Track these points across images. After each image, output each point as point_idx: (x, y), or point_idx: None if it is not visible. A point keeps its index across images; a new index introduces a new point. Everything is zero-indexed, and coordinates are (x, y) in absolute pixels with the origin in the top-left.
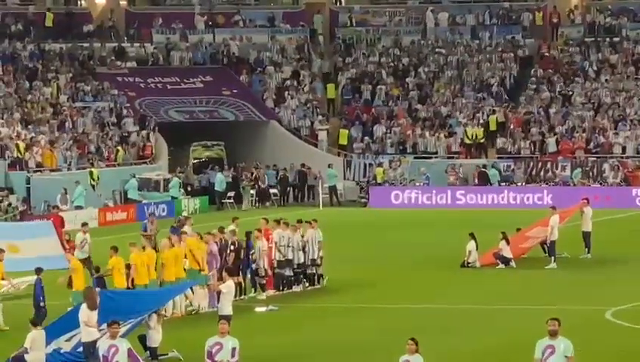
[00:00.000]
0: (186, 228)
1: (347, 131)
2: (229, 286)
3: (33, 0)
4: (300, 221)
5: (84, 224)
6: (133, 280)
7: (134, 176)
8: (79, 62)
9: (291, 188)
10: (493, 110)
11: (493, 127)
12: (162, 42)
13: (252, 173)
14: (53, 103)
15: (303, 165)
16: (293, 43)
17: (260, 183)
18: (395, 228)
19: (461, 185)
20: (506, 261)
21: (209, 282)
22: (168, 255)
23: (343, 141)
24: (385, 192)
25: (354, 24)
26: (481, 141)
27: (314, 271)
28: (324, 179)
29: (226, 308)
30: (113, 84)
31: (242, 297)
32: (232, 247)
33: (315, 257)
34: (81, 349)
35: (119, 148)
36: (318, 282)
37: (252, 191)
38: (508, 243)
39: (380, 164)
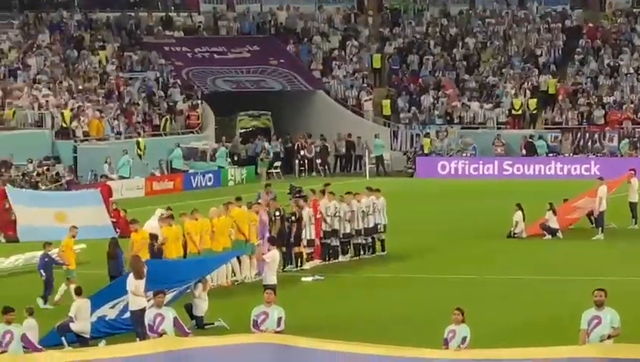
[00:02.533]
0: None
1: (389, 101)
2: (273, 255)
3: None
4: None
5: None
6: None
7: (179, 146)
8: (126, 31)
9: (338, 158)
10: (541, 81)
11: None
12: (209, 11)
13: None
14: (100, 73)
15: (349, 135)
16: (341, 13)
17: (306, 153)
18: (442, 199)
19: (508, 156)
20: (552, 231)
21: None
22: (217, 223)
23: (387, 111)
24: (431, 162)
25: None
26: (531, 112)
27: (359, 241)
28: (370, 149)
29: (270, 277)
30: (160, 54)
31: (288, 267)
32: (276, 215)
33: (381, 223)
34: (125, 316)
35: (166, 117)
36: (383, 249)
37: (297, 161)
38: (555, 213)
39: (426, 135)
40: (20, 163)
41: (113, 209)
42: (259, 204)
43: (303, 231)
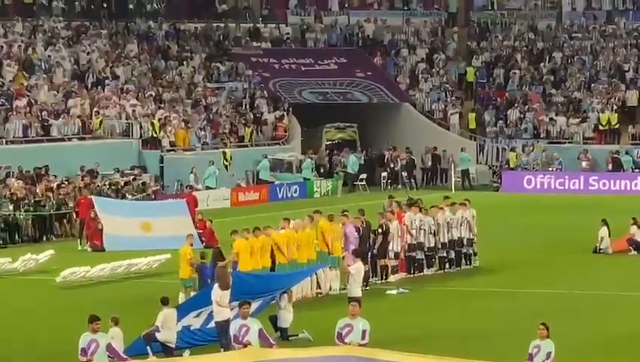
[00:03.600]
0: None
1: (475, 115)
2: (357, 268)
3: None
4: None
5: None
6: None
7: (266, 157)
8: (214, 42)
9: (423, 172)
10: (627, 97)
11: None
12: (297, 23)
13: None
14: (187, 83)
15: (435, 148)
16: (428, 26)
17: (392, 166)
18: (527, 213)
19: (594, 171)
20: (639, 245)
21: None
22: (302, 235)
23: (472, 125)
24: (517, 177)
25: (490, 7)
26: (615, 127)
27: (444, 254)
28: (456, 163)
29: (355, 289)
30: (247, 65)
31: (371, 281)
32: (361, 230)
33: (470, 236)
34: (210, 325)
35: (252, 128)
36: (468, 263)
37: (384, 174)
38: (639, 227)
39: (512, 149)
40: (106, 172)
41: (199, 219)
42: (346, 215)
43: (390, 244)
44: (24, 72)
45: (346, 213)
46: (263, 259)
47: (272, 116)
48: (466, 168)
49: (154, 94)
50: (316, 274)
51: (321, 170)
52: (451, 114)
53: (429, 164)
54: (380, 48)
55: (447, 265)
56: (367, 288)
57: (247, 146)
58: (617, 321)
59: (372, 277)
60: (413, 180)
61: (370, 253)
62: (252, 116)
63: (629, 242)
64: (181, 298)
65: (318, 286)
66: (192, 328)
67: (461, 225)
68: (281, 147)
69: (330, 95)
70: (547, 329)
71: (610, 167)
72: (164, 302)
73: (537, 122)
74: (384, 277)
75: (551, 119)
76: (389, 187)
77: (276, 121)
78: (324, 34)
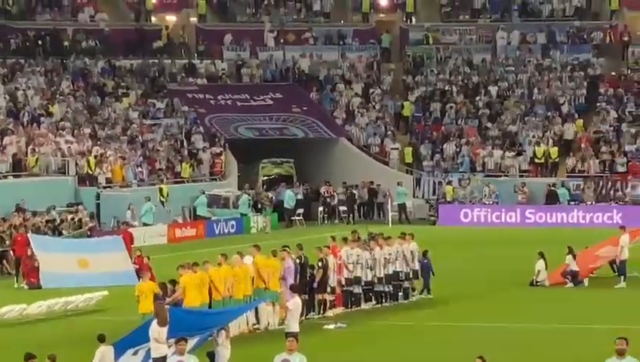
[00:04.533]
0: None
1: (411, 149)
2: (295, 303)
3: (103, 16)
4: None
5: None
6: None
7: (204, 193)
8: (149, 78)
9: (360, 206)
10: (564, 130)
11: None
12: (232, 59)
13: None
14: (123, 119)
15: (371, 183)
16: (363, 60)
17: (329, 200)
18: (464, 246)
19: (530, 204)
20: (574, 275)
21: (279, 299)
22: (238, 271)
23: (409, 159)
24: (454, 210)
25: (425, 41)
26: (551, 160)
27: (381, 289)
28: (393, 197)
29: (293, 324)
30: (183, 101)
31: (309, 316)
32: (297, 263)
33: (415, 269)
34: None
35: (188, 164)
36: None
37: (320, 208)
38: (574, 258)
39: (449, 182)
40: (42, 209)
41: (137, 255)
42: (287, 251)
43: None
44: None
45: (286, 248)
46: (202, 294)
47: (208, 152)
48: (403, 202)
49: (90, 131)
50: (255, 309)
51: (259, 206)
52: (391, 148)
53: (366, 198)
54: (315, 83)
55: (384, 300)
56: (306, 318)
57: (183, 182)
58: (555, 354)
59: (311, 312)
60: (351, 215)
61: (310, 288)
62: (188, 152)
63: (563, 274)
64: None
65: (256, 321)
66: None
67: (397, 259)
68: (217, 183)
69: (267, 130)
70: None
71: (546, 199)
72: (101, 339)
73: (473, 156)
74: (322, 311)
75: (487, 152)
76: (326, 222)
77: (213, 156)
78: (260, 69)
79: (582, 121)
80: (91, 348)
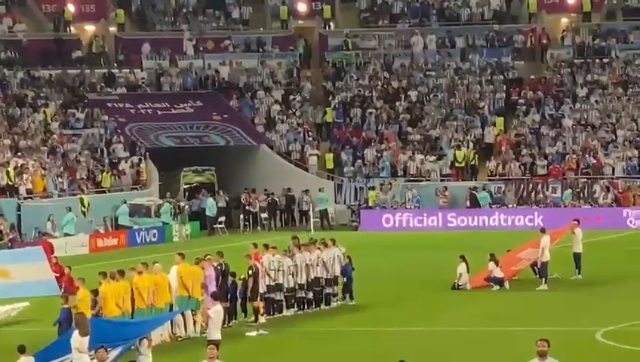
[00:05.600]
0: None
1: (332, 155)
2: (217, 311)
3: (22, 26)
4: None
5: None
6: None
7: (125, 202)
8: (69, 88)
9: (280, 213)
10: (484, 133)
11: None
12: (152, 68)
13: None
14: (43, 130)
15: (289, 189)
16: (283, 67)
17: (250, 208)
18: (386, 251)
19: (452, 208)
20: (498, 281)
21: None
22: (159, 279)
23: (330, 165)
24: (376, 215)
25: (345, 47)
26: (472, 163)
27: (303, 295)
28: (315, 203)
29: (215, 333)
30: (103, 110)
31: (231, 323)
32: (218, 269)
33: (336, 275)
34: None
35: (109, 174)
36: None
37: (241, 216)
38: (497, 264)
39: (370, 188)
40: None
41: (54, 263)
42: (209, 259)
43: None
44: None
45: (208, 256)
46: (125, 303)
47: (129, 161)
48: (325, 208)
49: (10, 142)
50: (179, 316)
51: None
52: (310, 155)
53: (284, 205)
54: (235, 91)
55: (306, 306)
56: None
57: (104, 192)
58: (476, 356)
59: (233, 319)
60: (272, 221)
61: (231, 295)
62: (109, 162)
63: (487, 279)
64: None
65: (178, 329)
66: None
67: (317, 265)
68: (139, 192)
69: (187, 138)
70: None
71: (467, 203)
72: (21, 350)
73: (395, 161)
74: (257, 318)
75: (408, 157)
76: (248, 229)
77: (133, 166)
78: (180, 78)
79: (502, 124)
80: (12, 360)
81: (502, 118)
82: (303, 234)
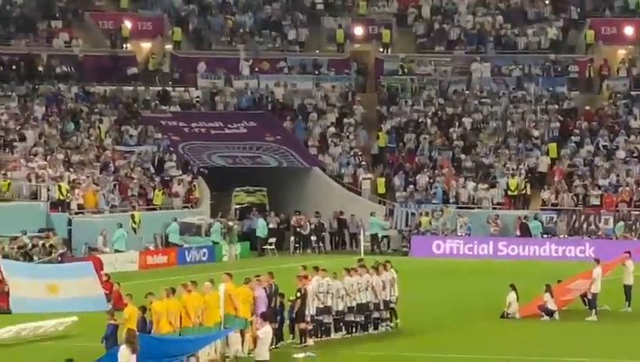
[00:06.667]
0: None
1: (384, 179)
2: (265, 331)
3: (78, 42)
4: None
5: None
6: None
7: (176, 220)
8: (123, 104)
9: (330, 236)
10: (537, 163)
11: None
12: (207, 87)
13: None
14: (96, 146)
15: (341, 213)
16: (338, 90)
17: (301, 230)
18: (436, 278)
19: (503, 236)
20: (550, 313)
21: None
22: (208, 298)
23: (382, 190)
24: (427, 241)
25: (400, 72)
26: (524, 192)
27: (352, 319)
28: (365, 227)
29: (263, 353)
30: (157, 128)
31: (279, 344)
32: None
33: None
34: None
35: (160, 191)
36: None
37: (292, 238)
38: (552, 295)
39: (425, 214)
40: (13, 235)
41: (105, 281)
42: (258, 280)
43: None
44: None
45: (257, 277)
46: (176, 321)
47: (181, 180)
48: (376, 233)
49: (63, 157)
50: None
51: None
52: (363, 179)
53: (336, 228)
54: (289, 112)
55: (354, 329)
56: (275, 347)
57: (155, 209)
58: None
59: (281, 341)
60: (321, 244)
61: (290, 317)
62: (161, 179)
63: (540, 308)
64: None
65: (226, 349)
66: None
67: (366, 289)
68: (190, 210)
69: (240, 159)
70: None
71: (518, 232)
72: None
73: (447, 187)
74: (304, 340)
75: (460, 184)
76: (298, 251)
77: (185, 184)
78: (234, 98)
79: (555, 153)
80: None
81: (555, 148)
82: (313, 258)
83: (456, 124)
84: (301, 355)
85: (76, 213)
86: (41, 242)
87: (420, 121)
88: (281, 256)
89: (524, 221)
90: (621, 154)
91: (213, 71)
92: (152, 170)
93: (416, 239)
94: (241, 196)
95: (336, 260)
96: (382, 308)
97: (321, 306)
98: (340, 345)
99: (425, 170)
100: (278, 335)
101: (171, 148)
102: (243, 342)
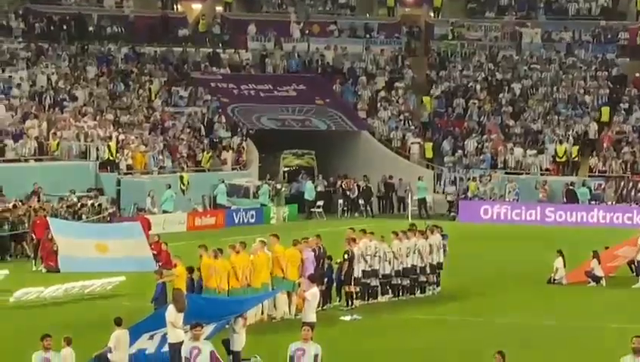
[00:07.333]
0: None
1: (432, 144)
2: (313, 293)
3: (129, 3)
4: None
5: None
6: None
7: (223, 182)
8: (173, 66)
9: (378, 200)
10: (586, 129)
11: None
12: (257, 49)
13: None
14: (146, 107)
15: (390, 177)
16: (388, 54)
17: (350, 193)
18: (483, 243)
19: (551, 202)
20: (597, 279)
21: (297, 289)
22: (256, 260)
23: (429, 154)
24: (474, 206)
25: (450, 37)
26: (573, 159)
27: (398, 282)
28: (413, 192)
29: (310, 314)
30: (206, 90)
31: (326, 306)
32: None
33: (422, 264)
34: (164, 349)
35: (209, 153)
36: (422, 291)
37: (340, 201)
38: (599, 262)
39: (473, 179)
40: (63, 194)
41: (155, 241)
42: (306, 242)
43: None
44: None
45: (305, 239)
46: (222, 282)
47: (230, 141)
48: (423, 197)
49: (112, 117)
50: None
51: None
52: (412, 143)
53: (383, 191)
54: (339, 76)
55: (401, 293)
56: (324, 308)
57: (204, 171)
58: (569, 350)
59: (327, 303)
60: (369, 208)
61: (337, 279)
62: (210, 141)
63: (587, 274)
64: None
65: (273, 310)
66: (146, 352)
67: (413, 253)
68: (238, 172)
69: (289, 121)
70: (503, 358)
71: (565, 198)
72: (118, 322)
73: (495, 152)
74: (351, 303)
75: (508, 149)
76: (346, 215)
77: (234, 146)
78: (284, 60)
79: (605, 119)
80: (107, 332)
81: (605, 114)
82: (360, 221)
83: (506, 89)
84: (347, 318)
85: (125, 174)
86: (90, 202)
87: (469, 86)
88: (328, 219)
89: (570, 187)
90: None
91: (264, 33)
92: (201, 131)
93: (464, 204)
94: (289, 159)
95: (383, 224)
96: (428, 271)
97: (368, 269)
98: (387, 308)
99: (473, 135)
100: (325, 298)
101: (220, 110)
102: (290, 303)
